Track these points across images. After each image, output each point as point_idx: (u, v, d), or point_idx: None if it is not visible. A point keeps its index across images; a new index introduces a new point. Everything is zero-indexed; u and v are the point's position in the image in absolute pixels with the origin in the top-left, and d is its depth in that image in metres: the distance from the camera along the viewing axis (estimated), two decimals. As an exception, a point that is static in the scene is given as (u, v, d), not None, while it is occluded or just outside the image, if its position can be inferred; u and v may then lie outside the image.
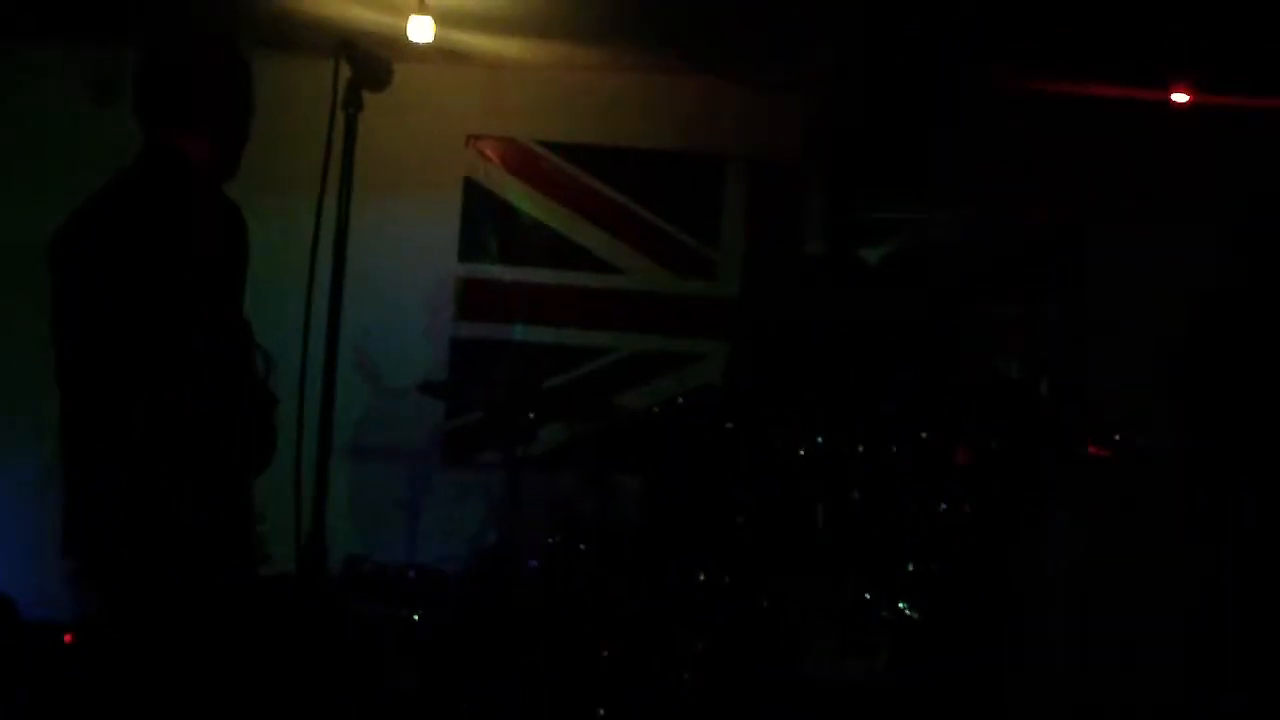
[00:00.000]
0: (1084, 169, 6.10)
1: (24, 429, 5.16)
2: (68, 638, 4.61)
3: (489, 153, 6.41)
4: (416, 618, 5.07)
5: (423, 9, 5.34)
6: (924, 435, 4.98)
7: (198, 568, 3.88)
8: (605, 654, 4.83)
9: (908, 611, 4.72)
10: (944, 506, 4.93)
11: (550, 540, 5.13)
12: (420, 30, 5.39)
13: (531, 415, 5.47)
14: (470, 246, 6.42)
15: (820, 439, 4.86)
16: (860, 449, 4.89)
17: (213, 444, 3.79)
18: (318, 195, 3.63)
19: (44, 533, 4.51)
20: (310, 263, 3.76)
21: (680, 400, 5.38)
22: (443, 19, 5.44)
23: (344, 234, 3.78)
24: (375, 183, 5.65)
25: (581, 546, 5.09)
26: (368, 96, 3.65)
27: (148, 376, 3.62)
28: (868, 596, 4.74)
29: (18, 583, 5.18)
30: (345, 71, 3.61)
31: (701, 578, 4.88)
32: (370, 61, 3.62)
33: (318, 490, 3.85)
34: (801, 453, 4.91)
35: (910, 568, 4.82)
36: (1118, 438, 5.04)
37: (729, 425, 5.09)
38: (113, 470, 3.73)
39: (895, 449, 4.95)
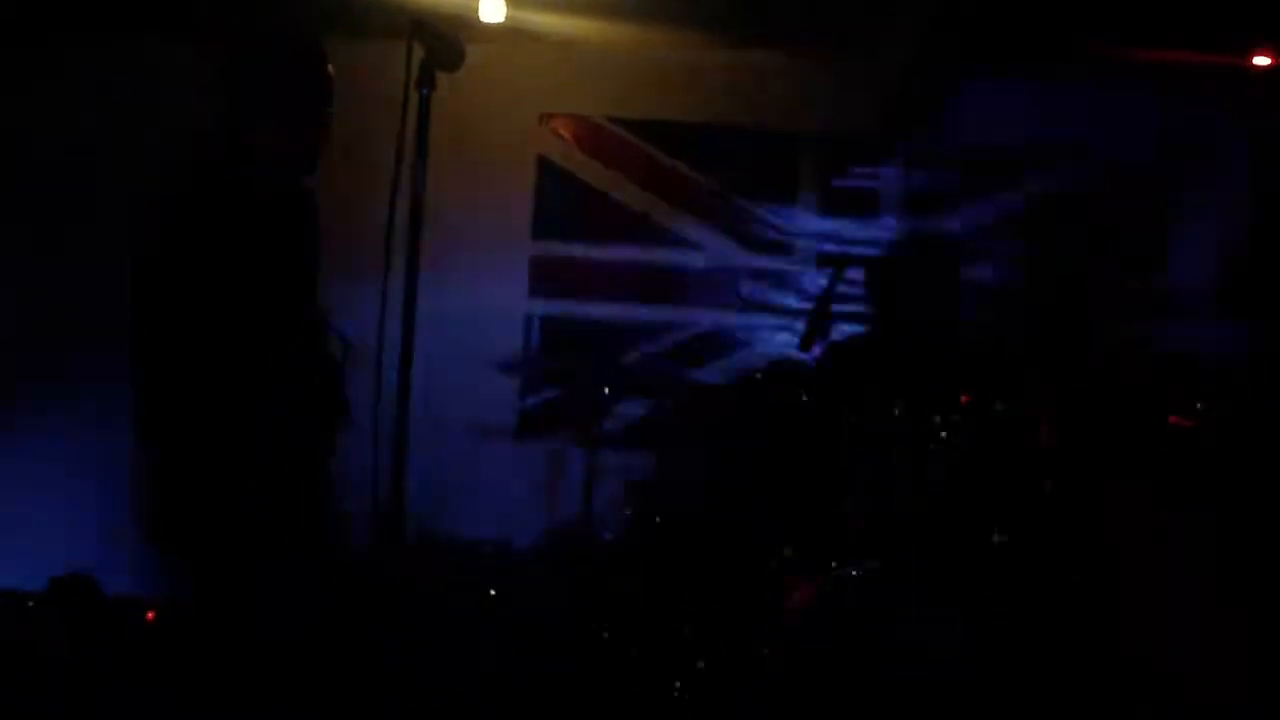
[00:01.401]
0: (1167, 136, 6.05)
1: (96, 409, 5.21)
2: (150, 615, 4.65)
3: (562, 130, 6.42)
4: (492, 593, 5.11)
5: (493, -11, 5.37)
6: (1001, 409, 4.92)
7: (275, 546, 3.92)
8: (683, 629, 4.84)
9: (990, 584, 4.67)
10: (1026, 483, 4.88)
11: (625, 515, 5.14)
12: (491, 10, 5.41)
13: (607, 391, 5.47)
14: (544, 224, 6.43)
15: (898, 412, 4.81)
16: (939, 422, 4.83)
17: (287, 424, 3.83)
18: (392, 176, 3.66)
19: (123, 509, 4.58)
20: (385, 242, 3.79)
21: (758, 375, 5.35)
22: (513, -1, 5.47)
23: (419, 213, 3.80)
24: (449, 162, 5.69)
25: (656, 520, 5.09)
26: (441, 77, 3.67)
27: (222, 362, 3.67)
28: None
29: (98, 559, 5.24)
30: (418, 52, 3.63)
31: (786, 553, 4.88)
32: (442, 41, 3.64)
33: (395, 466, 3.88)
34: (880, 426, 4.87)
35: (993, 541, 4.77)
36: (1200, 406, 4.96)
37: (806, 399, 5.06)
38: (187, 453, 3.78)
39: (976, 423, 4.89)
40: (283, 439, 3.87)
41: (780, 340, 6.31)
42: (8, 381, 6.06)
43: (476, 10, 5.42)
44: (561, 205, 6.43)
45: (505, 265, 6.36)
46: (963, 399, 4.86)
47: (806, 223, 6.46)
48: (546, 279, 6.42)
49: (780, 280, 6.44)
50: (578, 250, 6.44)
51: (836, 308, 5.34)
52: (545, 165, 6.42)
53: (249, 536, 3.85)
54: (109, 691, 4.26)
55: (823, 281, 5.46)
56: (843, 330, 5.60)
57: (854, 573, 4.53)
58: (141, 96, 6.12)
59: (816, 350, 5.18)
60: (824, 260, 6.36)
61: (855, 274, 5.87)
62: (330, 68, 3.84)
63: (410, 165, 3.71)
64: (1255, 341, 5.43)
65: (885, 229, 6.40)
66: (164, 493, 3.90)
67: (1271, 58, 5.89)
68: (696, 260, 6.46)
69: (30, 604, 4.79)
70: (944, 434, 4.77)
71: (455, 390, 6.05)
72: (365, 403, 4.00)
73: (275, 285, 3.78)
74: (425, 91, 3.63)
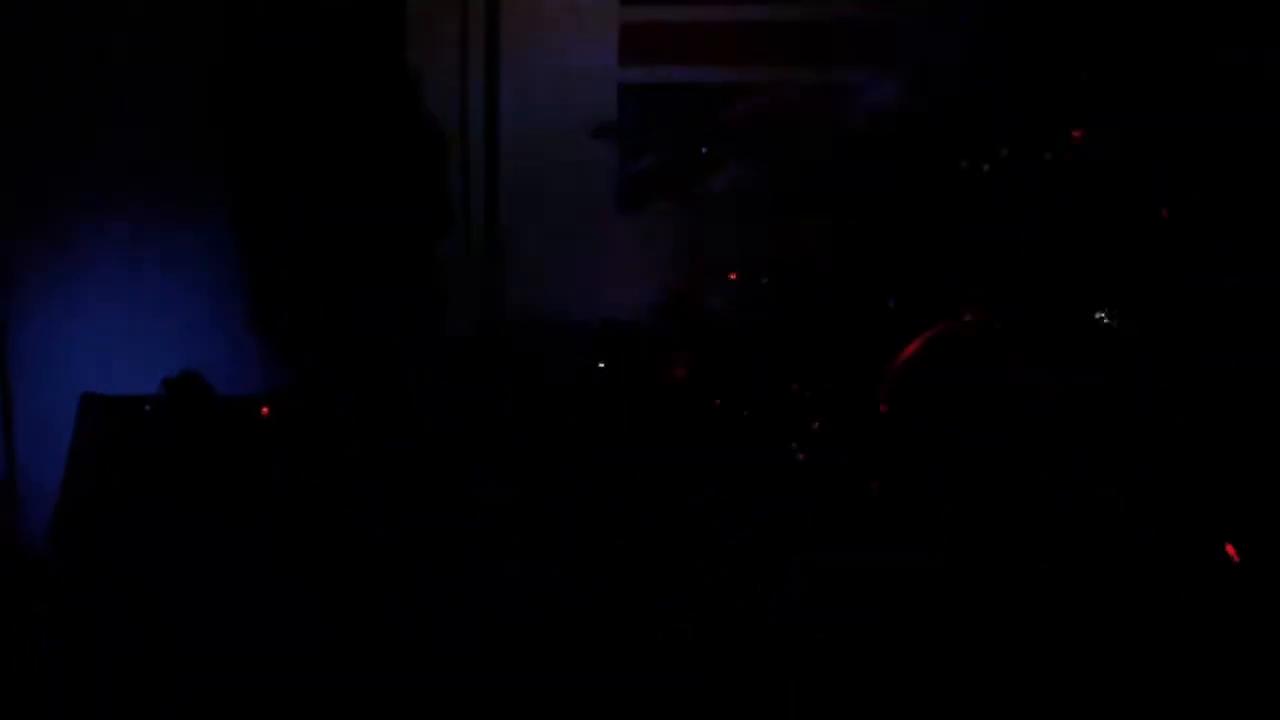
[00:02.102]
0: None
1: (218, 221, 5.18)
2: (264, 410, 4.70)
3: (647, -113, 6.21)
4: (600, 366, 5.11)
5: None
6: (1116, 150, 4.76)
7: (384, 332, 3.93)
8: (795, 388, 4.81)
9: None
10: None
11: (731, 278, 5.09)
12: None
13: (706, 153, 5.35)
14: (632, -11, 6.27)
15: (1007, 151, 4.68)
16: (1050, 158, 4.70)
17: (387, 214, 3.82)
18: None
19: (236, 311, 4.61)
20: (461, 15, 3.71)
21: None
22: None
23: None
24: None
25: (764, 281, 5.05)
26: None
27: (320, 161, 3.67)
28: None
29: (213, 362, 5.28)
30: None
31: (892, 304, 4.82)
32: None
33: (490, 237, 3.84)
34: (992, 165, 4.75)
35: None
36: None
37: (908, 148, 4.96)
38: (292, 246, 3.80)
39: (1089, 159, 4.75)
40: (385, 230, 3.86)
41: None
42: (131, 199, 6.05)
43: None
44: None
45: (593, 34, 6.21)
46: (1075, 134, 4.73)
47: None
48: (638, 44, 6.25)
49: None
50: (668, 13, 6.26)
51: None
52: (630, -73, 6.23)
53: (360, 320, 3.88)
54: (226, 489, 4.32)
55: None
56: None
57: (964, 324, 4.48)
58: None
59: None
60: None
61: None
62: None
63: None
64: None
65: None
66: (271, 287, 3.94)
67: None
68: (797, 14, 6.28)
69: (146, 407, 4.85)
70: (1055, 169, 4.66)
71: (552, 166, 5.98)
72: (455, 187, 3.95)
73: (365, 75, 3.75)
74: None
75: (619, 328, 5.40)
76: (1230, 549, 4.12)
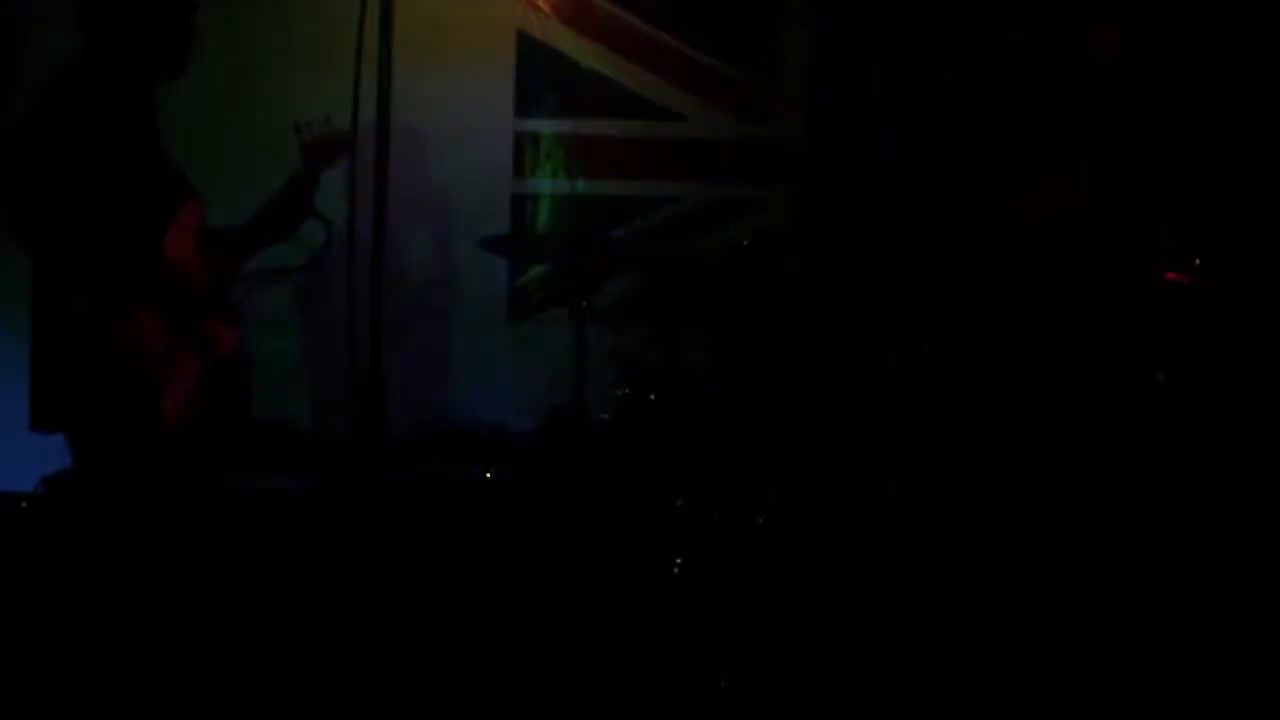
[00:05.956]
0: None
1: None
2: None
3: (540, 3, 6.29)
4: (489, 475, 5.11)
5: None
6: (996, 270, 4.87)
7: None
8: (679, 504, 4.82)
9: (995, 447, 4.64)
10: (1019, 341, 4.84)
11: (619, 393, 5.12)
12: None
13: (596, 267, 5.40)
14: (527, 101, 6.31)
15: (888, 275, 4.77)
16: (929, 284, 4.79)
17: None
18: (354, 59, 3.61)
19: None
20: (352, 128, 3.76)
21: (745, 244, 5.30)
22: None
23: (386, 95, 3.76)
24: (426, 45, 5.64)
25: (651, 397, 5.07)
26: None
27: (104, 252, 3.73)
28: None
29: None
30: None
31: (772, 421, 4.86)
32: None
33: (373, 353, 3.86)
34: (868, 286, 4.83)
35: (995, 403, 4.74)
36: (1198, 261, 4.88)
37: (795, 268, 5.03)
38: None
39: (968, 284, 4.85)
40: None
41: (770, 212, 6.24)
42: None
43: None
44: (544, 81, 6.30)
45: (489, 145, 6.26)
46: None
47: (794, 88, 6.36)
48: (532, 157, 6.34)
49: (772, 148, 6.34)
50: (563, 126, 6.33)
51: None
52: (525, 40, 6.28)
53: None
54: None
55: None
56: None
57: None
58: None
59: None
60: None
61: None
62: None
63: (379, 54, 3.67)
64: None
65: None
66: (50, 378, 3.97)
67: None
68: (684, 131, 6.37)
69: (23, 504, 4.77)
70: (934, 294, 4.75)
71: (445, 274, 6.01)
72: (341, 292, 3.98)
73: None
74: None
75: (506, 435, 5.42)
76: None
